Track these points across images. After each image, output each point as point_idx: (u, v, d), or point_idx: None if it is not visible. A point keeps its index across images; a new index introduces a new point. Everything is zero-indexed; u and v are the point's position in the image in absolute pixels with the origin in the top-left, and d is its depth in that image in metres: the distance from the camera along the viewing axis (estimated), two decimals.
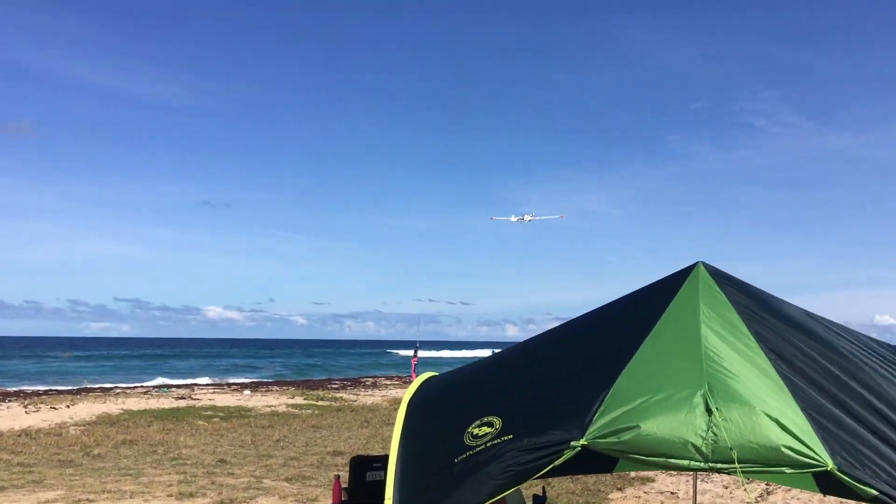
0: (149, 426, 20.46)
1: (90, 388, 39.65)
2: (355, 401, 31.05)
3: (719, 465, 3.36)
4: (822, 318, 4.79)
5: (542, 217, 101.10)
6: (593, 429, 3.53)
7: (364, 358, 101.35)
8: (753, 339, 3.99)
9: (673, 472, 12.23)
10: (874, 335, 5.02)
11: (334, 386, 43.16)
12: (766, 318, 4.27)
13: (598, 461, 5.57)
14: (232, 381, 49.56)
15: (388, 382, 46.79)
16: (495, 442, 3.75)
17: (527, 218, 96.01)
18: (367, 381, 49.52)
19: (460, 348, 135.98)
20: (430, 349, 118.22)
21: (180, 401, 28.99)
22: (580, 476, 12.20)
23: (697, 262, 4.69)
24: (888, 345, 4.82)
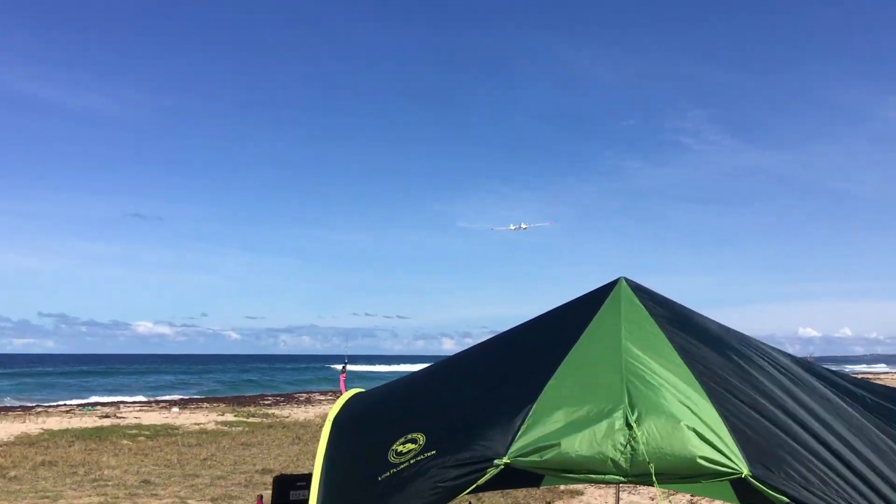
0: (70, 446, 19.74)
1: (10, 406, 38.18)
2: (287, 417, 30.57)
3: (637, 479, 3.38)
4: (737, 330, 4.93)
5: (536, 225, 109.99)
6: (516, 447, 3.50)
7: (301, 373, 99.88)
8: (674, 351, 4.05)
9: (601, 484, 12.38)
10: (798, 347, 5.23)
11: (267, 402, 42.48)
12: (686, 329, 4.36)
13: (525, 475, 5.57)
14: (161, 398, 48.32)
15: (321, 398, 46.29)
16: (419, 458, 3.69)
17: (523, 226, 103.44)
18: (301, 396, 48.93)
19: (397, 362, 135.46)
20: (364, 364, 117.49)
21: (105, 419, 28.10)
22: (510, 490, 12.23)
23: (620, 278, 4.77)
24: (796, 356, 5.00)
